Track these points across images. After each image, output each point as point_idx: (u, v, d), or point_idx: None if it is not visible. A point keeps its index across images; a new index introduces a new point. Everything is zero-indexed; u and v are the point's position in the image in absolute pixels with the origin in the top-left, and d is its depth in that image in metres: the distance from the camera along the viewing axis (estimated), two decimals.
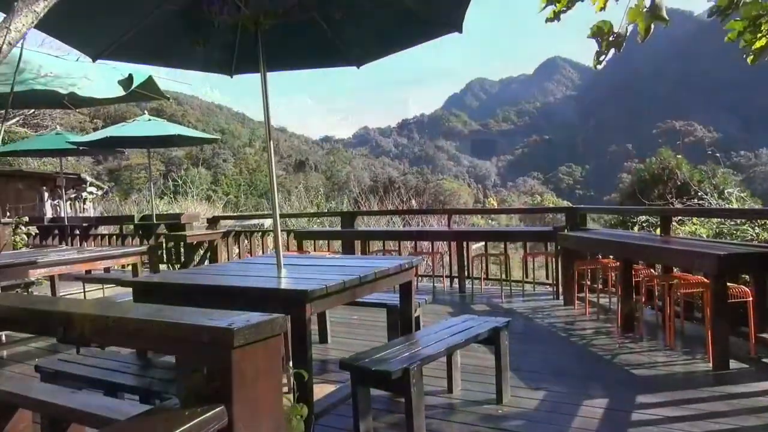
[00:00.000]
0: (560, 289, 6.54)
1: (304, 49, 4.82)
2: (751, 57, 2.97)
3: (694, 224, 6.12)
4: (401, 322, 3.92)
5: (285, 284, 3.09)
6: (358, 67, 4.88)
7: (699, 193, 8.22)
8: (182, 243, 9.19)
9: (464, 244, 7.31)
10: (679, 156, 16.75)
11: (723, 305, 3.74)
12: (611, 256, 5.77)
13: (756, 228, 5.07)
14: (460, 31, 4.14)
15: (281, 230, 9.28)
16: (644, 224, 8.57)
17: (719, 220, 5.77)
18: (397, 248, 8.11)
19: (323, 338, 4.97)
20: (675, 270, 5.00)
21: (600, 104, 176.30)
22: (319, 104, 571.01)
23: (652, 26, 3.17)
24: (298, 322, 2.77)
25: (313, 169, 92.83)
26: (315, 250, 8.80)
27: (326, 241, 8.87)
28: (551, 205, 48.04)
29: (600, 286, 5.86)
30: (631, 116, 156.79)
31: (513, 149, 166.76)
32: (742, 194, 7.21)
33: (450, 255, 7.86)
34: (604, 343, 4.66)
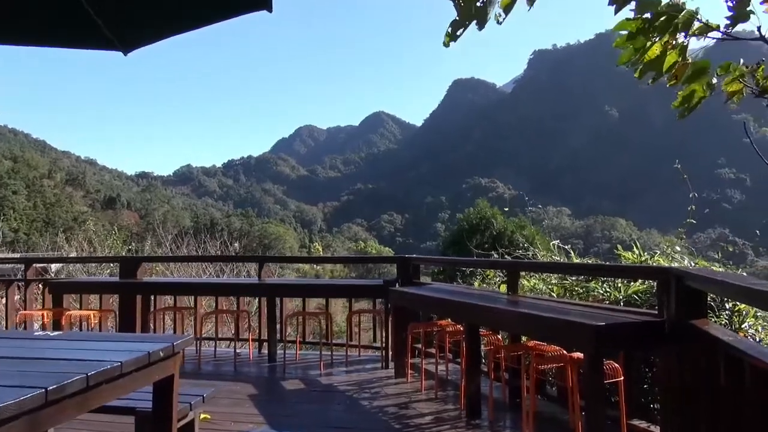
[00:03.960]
0: (390, 355, 5.47)
1: (40, 18, 3.22)
2: (639, 69, 2.23)
3: (531, 278, 5.54)
4: None
5: None
6: (125, 54, 3.40)
7: (525, 245, 7.99)
8: None
9: (276, 300, 5.91)
10: (495, 207, 17.47)
11: (599, 389, 2.89)
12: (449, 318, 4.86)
13: (604, 285, 4.55)
14: (270, 10, 2.95)
15: (35, 279, 7.01)
16: (468, 274, 8.10)
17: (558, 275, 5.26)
18: (192, 305, 6.39)
19: None
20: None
21: (418, 159, 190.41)
22: (135, 135, 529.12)
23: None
24: None
25: (125, 207, 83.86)
26: (81, 308, 6.67)
27: (99, 297, 6.77)
28: (378, 254, 48.99)
29: (437, 352, 4.88)
30: (444, 172, 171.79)
31: (339, 196, 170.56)
32: (565, 246, 6.92)
33: (260, 313, 6.37)
34: None
